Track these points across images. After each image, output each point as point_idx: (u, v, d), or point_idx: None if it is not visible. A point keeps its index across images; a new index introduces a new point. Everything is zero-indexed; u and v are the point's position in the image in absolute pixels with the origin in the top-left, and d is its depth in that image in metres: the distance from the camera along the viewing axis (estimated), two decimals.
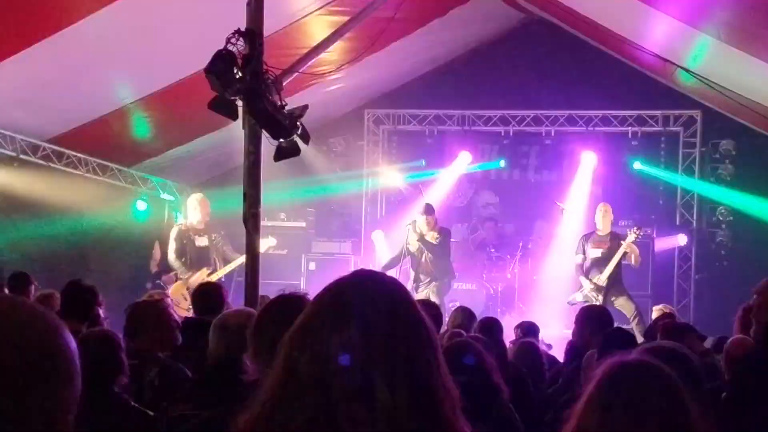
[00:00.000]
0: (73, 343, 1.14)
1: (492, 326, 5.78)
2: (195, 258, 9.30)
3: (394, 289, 1.46)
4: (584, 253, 9.78)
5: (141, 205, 11.51)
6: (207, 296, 5.46)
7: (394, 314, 1.40)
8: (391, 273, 9.96)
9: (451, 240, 10.50)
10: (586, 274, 9.67)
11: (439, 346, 1.44)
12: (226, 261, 9.40)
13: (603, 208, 9.92)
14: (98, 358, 3.52)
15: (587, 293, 9.51)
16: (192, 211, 9.54)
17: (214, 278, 8.76)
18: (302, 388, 1.34)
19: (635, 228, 9.76)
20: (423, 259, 9.97)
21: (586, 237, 9.93)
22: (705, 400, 2.32)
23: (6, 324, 1.08)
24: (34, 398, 1.06)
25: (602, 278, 9.47)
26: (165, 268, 9.91)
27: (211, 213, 9.59)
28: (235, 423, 1.43)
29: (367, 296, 1.41)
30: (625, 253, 9.58)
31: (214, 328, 3.51)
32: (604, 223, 9.80)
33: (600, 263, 9.61)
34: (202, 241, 9.36)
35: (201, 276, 8.98)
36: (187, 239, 9.33)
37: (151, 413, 3.61)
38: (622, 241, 9.60)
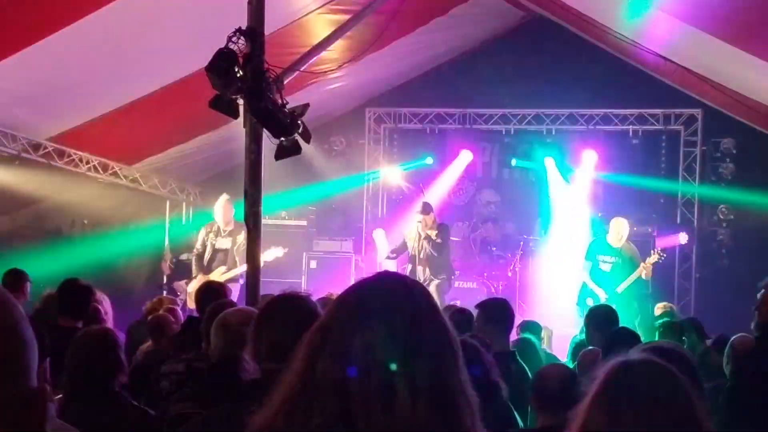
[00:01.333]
0: (29, 330, 1.13)
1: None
2: (210, 259, 9.33)
3: (418, 292, 1.44)
4: (593, 260, 9.65)
5: None
6: (209, 295, 5.46)
7: (417, 318, 1.38)
8: (392, 266, 10.04)
9: (451, 237, 10.48)
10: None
11: (460, 352, 1.42)
12: None
13: (622, 223, 9.68)
14: (95, 356, 3.51)
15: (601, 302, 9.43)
16: (217, 212, 9.53)
17: (223, 278, 8.73)
18: (321, 389, 1.33)
19: (659, 250, 9.69)
20: (421, 256, 9.97)
21: (597, 247, 9.74)
22: (704, 399, 2.32)
23: None
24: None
25: (618, 291, 9.42)
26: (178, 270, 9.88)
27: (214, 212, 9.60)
28: (251, 422, 1.41)
29: (391, 299, 1.40)
30: None
31: (214, 327, 3.51)
32: (617, 238, 9.57)
33: (608, 276, 9.52)
34: (223, 243, 9.32)
35: (215, 276, 8.98)
36: (208, 239, 9.37)
37: (152, 412, 3.61)
38: (638, 259, 9.51)
